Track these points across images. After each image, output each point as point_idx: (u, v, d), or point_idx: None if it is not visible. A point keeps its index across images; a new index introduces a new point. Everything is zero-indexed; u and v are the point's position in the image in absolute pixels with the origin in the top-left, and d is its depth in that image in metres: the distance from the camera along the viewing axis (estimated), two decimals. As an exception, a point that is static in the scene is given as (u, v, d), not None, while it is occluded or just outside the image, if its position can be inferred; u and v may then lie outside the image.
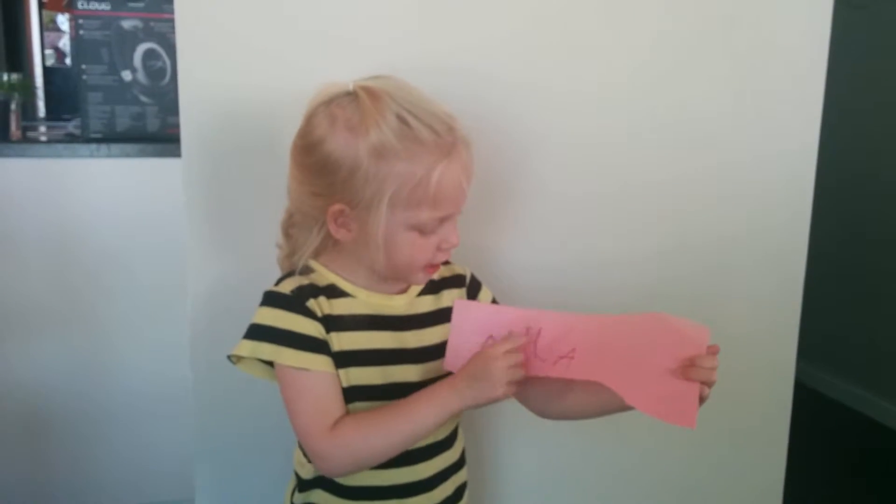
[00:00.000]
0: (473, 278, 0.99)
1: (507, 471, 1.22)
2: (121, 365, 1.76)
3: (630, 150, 1.17)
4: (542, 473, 1.24)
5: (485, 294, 0.99)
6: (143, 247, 1.71)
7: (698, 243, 1.22)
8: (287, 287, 0.87)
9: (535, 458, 1.23)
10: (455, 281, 0.97)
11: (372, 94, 0.83)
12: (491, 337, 0.87)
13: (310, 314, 0.85)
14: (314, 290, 0.87)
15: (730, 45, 1.17)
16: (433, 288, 0.94)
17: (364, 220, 0.84)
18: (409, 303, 0.92)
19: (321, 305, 0.86)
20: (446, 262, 0.96)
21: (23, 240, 1.69)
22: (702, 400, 0.83)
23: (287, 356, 0.84)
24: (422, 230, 0.84)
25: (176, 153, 1.05)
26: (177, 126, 1.03)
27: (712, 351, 0.82)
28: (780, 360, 1.29)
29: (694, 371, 0.81)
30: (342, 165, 0.83)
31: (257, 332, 0.86)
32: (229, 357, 0.87)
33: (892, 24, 2.45)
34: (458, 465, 0.97)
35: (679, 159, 1.19)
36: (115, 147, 1.68)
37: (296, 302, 0.85)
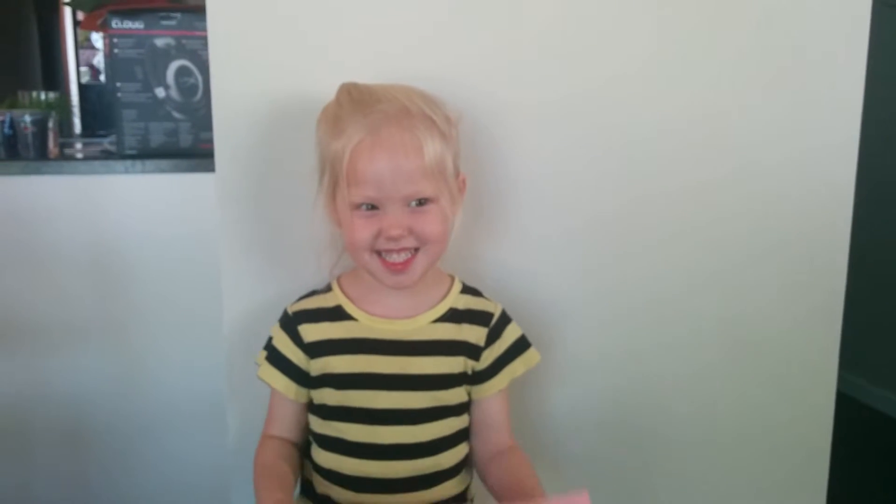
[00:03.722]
0: (503, 316, 0.97)
1: None
2: (155, 380, 1.77)
3: (658, 152, 1.14)
4: None
5: (512, 330, 0.97)
6: (177, 261, 1.73)
7: (730, 251, 1.20)
8: (296, 306, 0.95)
9: None
10: (479, 317, 0.95)
11: (340, 87, 0.90)
12: None
13: (297, 339, 0.93)
14: (316, 315, 0.93)
15: (765, 40, 1.14)
16: (454, 317, 0.94)
17: (327, 203, 0.90)
18: (417, 328, 0.92)
19: (316, 331, 0.92)
20: (477, 294, 0.97)
21: (60, 255, 1.72)
22: None
23: (262, 368, 0.95)
24: (354, 208, 0.85)
25: (208, 168, 1.06)
26: (209, 141, 1.04)
27: None
28: (821, 369, 1.26)
29: None
30: (317, 156, 0.90)
31: (267, 342, 0.96)
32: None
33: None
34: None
35: (710, 161, 1.16)
36: (150, 163, 1.70)
37: (291, 323, 0.93)
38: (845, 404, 1.27)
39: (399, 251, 0.86)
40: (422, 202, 0.86)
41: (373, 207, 0.85)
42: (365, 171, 0.83)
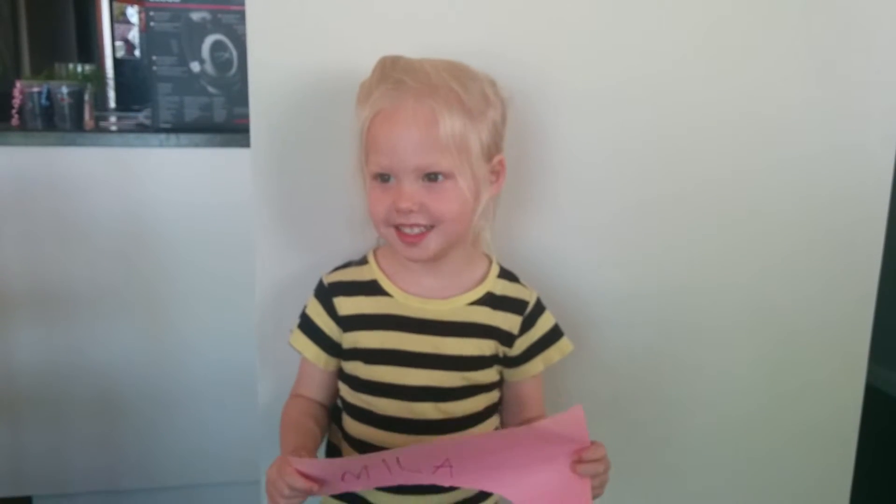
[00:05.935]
0: (537, 304, 0.97)
1: None
2: (187, 350, 1.81)
3: (701, 142, 1.13)
4: None
5: (545, 319, 0.97)
6: (209, 234, 1.75)
7: (767, 242, 1.19)
8: (332, 277, 0.95)
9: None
10: (514, 305, 0.95)
11: (379, 59, 0.89)
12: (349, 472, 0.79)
13: (330, 310, 0.93)
14: (352, 287, 0.93)
15: (804, 29, 1.13)
16: (491, 301, 0.94)
17: (355, 174, 0.90)
18: (452, 309, 0.92)
19: (350, 305, 0.92)
20: (514, 279, 0.97)
21: (95, 225, 1.75)
22: (595, 494, 0.81)
23: (294, 336, 0.95)
24: (374, 178, 0.86)
25: (241, 143, 1.07)
26: (242, 116, 1.05)
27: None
28: (851, 361, 1.25)
29: (582, 466, 0.79)
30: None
31: (302, 312, 0.96)
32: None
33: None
34: None
35: (751, 153, 1.15)
36: (184, 137, 1.72)
37: (326, 294, 0.94)
38: (873, 397, 1.26)
39: (411, 226, 0.85)
40: (436, 177, 0.84)
41: (389, 179, 0.86)
42: (381, 140, 0.84)
